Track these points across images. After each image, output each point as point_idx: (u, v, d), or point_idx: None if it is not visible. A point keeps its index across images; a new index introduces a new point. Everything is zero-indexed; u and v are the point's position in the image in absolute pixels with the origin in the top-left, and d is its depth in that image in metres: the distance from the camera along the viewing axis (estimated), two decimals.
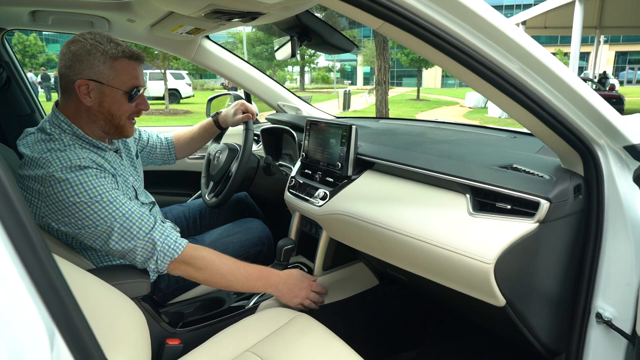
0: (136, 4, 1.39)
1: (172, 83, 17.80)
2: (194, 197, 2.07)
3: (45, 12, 1.46)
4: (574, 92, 0.86)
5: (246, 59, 1.98)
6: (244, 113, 1.65)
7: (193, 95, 21.11)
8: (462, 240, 0.96)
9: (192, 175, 2.11)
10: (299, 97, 2.21)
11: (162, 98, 16.73)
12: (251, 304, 1.40)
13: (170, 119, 13.57)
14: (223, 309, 1.38)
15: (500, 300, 0.93)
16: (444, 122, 1.82)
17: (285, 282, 1.34)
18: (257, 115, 2.25)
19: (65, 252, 1.23)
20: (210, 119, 1.73)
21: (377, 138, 1.53)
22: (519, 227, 0.91)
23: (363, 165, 1.36)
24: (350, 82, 34.73)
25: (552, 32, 14.07)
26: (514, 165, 1.05)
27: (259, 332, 1.18)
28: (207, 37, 1.82)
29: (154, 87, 18.13)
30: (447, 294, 1.07)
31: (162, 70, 14.84)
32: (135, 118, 1.30)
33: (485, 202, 1.00)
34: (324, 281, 1.47)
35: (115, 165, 1.29)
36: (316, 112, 2.22)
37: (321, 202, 1.38)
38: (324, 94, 23.97)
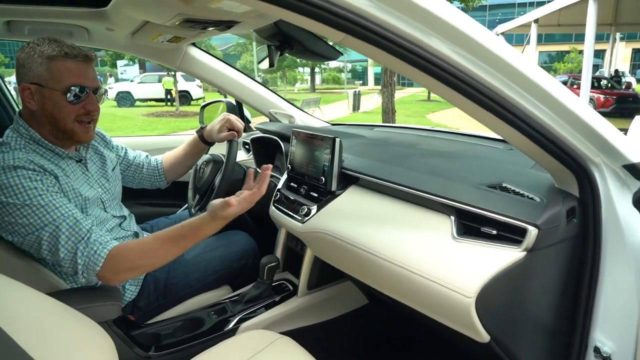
0: (112, 13, 1.34)
1: (183, 85, 17.87)
2: (182, 208, 2.01)
3: (20, 22, 1.42)
4: (564, 107, 0.78)
5: (256, 60, 1.88)
6: (229, 130, 1.58)
7: (204, 97, 21.22)
8: (443, 269, 0.88)
9: (182, 185, 2.06)
10: (292, 104, 2.14)
11: (173, 100, 16.84)
12: (230, 325, 1.34)
13: (181, 120, 13.62)
14: (201, 331, 1.32)
15: (484, 336, 0.84)
16: (440, 131, 1.73)
17: (209, 216, 1.22)
18: (243, 130, 2.20)
19: (34, 270, 1.18)
20: (195, 134, 1.67)
21: (366, 150, 1.46)
22: (504, 256, 0.82)
23: (348, 180, 1.29)
24: (361, 82, 34.59)
25: (566, 30, 13.75)
26: (503, 185, 0.96)
27: (238, 355, 1.12)
28: (194, 44, 1.76)
29: (162, 89, 18.26)
30: (432, 321, 1.00)
31: (173, 72, 14.91)
32: (88, 120, 1.23)
33: (471, 225, 0.92)
34: (308, 301, 1.40)
35: (70, 173, 1.24)
36: (310, 119, 2.15)
37: (304, 219, 1.31)
38: (334, 94, 23.89)
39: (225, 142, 1.58)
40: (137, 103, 18.79)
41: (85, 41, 1.55)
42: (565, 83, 16.41)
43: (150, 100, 18.90)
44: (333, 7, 0.64)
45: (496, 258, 0.83)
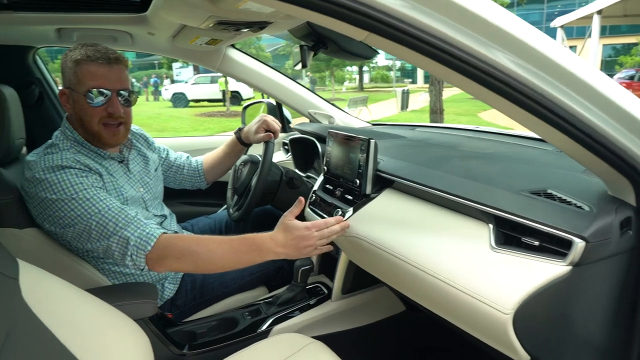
0: (152, 18, 1.37)
1: (234, 85, 18.33)
2: (222, 208, 2.04)
3: (69, 29, 1.49)
4: (615, 105, 0.69)
5: (293, 62, 1.89)
6: (266, 131, 1.58)
7: (254, 97, 21.69)
8: (479, 282, 0.82)
9: (222, 185, 2.09)
10: (332, 104, 2.11)
11: (224, 100, 17.31)
12: (264, 327, 1.34)
13: (231, 120, 13.98)
14: (235, 332, 1.33)
15: (523, 356, 0.78)
16: (485, 131, 1.64)
17: (283, 244, 1.14)
18: (282, 130, 2.19)
19: (76, 266, 1.23)
20: (233, 135, 1.68)
21: (404, 151, 1.40)
22: (547, 270, 0.75)
23: (383, 182, 1.24)
24: (410, 80, 33.96)
25: (633, 21, 12.75)
26: (548, 191, 0.88)
27: (269, 358, 1.11)
28: (233, 45, 1.78)
29: (215, 90, 18.81)
30: (468, 334, 0.94)
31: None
32: (114, 124, 1.25)
33: (511, 234, 0.85)
34: (342, 306, 1.36)
35: (114, 172, 1.29)
36: (350, 119, 2.11)
37: None
38: (382, 93, 23.62)
39: (262, 143, 1.58)
40: (191, 104, 19.49)
41: (129, 45, 1.60)
42: (632, 78, 15.27)
43: (203, 100, 19.54)
44: (354, 4, 0.61)
45: (537, 272, 0.76)
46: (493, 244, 0.86)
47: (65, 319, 0.87)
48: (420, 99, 16.70)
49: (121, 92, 1.23)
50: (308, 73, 22.57)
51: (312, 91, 2.08)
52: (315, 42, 1.27)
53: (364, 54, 1.32)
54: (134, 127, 1.54)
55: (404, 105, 15.04)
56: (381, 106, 16.34)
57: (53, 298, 0.89)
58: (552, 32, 12.99)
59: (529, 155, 1.25)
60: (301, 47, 1.24)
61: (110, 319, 1.00)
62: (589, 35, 10.74)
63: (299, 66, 1.34)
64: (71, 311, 0.92)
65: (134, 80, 24.65)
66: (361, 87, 27.86)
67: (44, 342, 0.79)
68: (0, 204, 1.17)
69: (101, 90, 1.20)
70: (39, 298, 0.83)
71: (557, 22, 12.29)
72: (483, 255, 0.85)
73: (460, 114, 13.42)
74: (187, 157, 1.73)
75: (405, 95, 15.07)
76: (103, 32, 1.51)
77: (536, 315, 0.75)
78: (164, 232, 1.15)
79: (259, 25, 1.15)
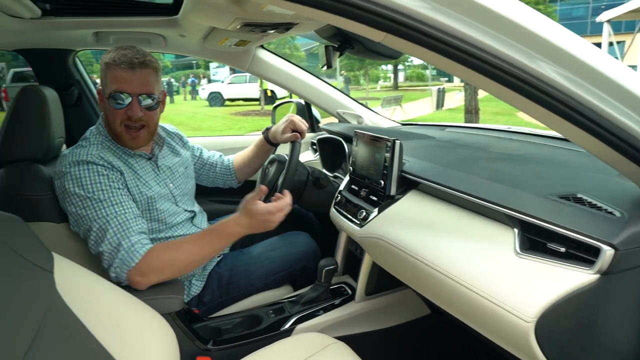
0: (182, 21, 1.41)
1: (270, 84, 18.51)
2: None
3: (106, 32, 1.55)
4: None
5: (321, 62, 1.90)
6: (293, 131, 1.60)
7: (288, 96, 21.84)
8: (501, 288, 0.79)
9: (252, 184, 2.12)
10: (361, 104, 2.10)
11: (258, 99, 17.52)
12: (287, 325, 1.35)
13: (265, 119, 14.14)
14: (258, 329, 1.35)
15: None
16: (517, 132, 1.59)
17: (247, 226, 1.26)
18: (312, 130, 2.20)
19: None
20: (261, 135, 1.71)
21: (431, 152, 1.38)
22: (572, 278, 0.72)
23: (408, 184, 1.23)
24: (447, 79, 33.30)
25: None
26: (578, 195, 0.85)
27: (291, 357, 1.12)
28: (262, 46, 1.80)
29: (250, 89, 19.06)
30: (491, 341, 0.91)
31: None
32: (135, 127, 1.28)
33: (537, 240, 0.82)
34: (365, 307, 1.36)
35: (139, 169, 1.33)
36: (379, 119, 2.10)
37: (362, 223, 1.28)
38: (418, 92, 23.28)
39: (289, 143, 1.60)
40: (227, 103, 19.85)
41: (162, 47, 1.65)
42: None
43: (239, 99, 19.86)
44: (370, 5, 0.61)
45: (563, 279, 0.73)
46: (517, 249, 0.83)
47: (95, 311, 0.91)
48: (457, 98, 16.34)
49: (141, 96, 1.25)
50: (342, 72, 22.54)
51: (341, 91, 2.08)
52: (341, 42, 1.27)
53: (390, 54, 1.31)
54: (169, 126, 1.60)
55: (440, 104, 14.77)
56: (416, 105, 16.09)
57: (85, 291, 0.93)
58: (597, 27, 12.39)
59: (561, 157, 1.21)
60: (326, 47, 1.24)
61: (138, 312, 1.04)
62: (639, 30, 10.18)
63: (324, 67, 1.34)
64: (102, 304, 0.95)
65: (172, 80, 25.35)
66: (396, 86, 27.54)
67: (75, 332, 0.83)
68: (39, 199, 1.24)
69: (122, 93, 1.23)
70: (71, 290, 0.87)
71: (604, 16, 11.70)
72: (507, 261, 0.83)
73: (498, 113, 13.04)
74: (220, 155, 1.77)
75: (441, 93, 14.79)
76: (137, 34, 1.57)
77: (560, 324, 0.72)
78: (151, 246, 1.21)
79: (284, 27, 1.17)
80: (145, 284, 1.17)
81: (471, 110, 7.53)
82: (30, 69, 1.78)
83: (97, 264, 1.21)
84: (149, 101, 1.27)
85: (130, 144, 1.31)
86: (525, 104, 0.68)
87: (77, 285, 0.91)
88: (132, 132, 1.28)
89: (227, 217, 1.29)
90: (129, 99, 1.24)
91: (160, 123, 1.45)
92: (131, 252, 1.16)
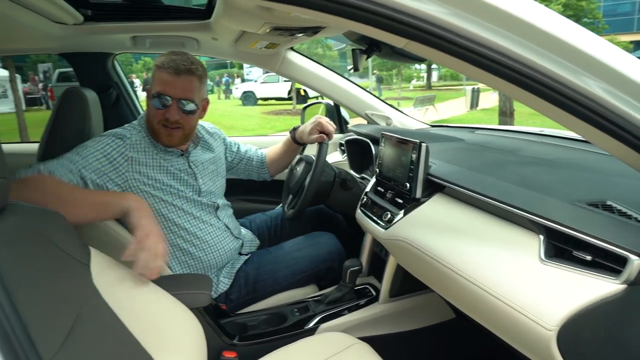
0: (215, 24, 1.45)
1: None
2: (278, 206, 2.10)
3: (143, 37, 1.62)
4: None
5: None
6: (320, 132, 1.62)
7: (319, 96, 21.82)
8: (523, 295, 0.79)
9: (279, 183, 2.16)
10: (390, 105, 2.10)
11: (290, 98, 17.64)
12: (311, 324, 1.37)
13: (297, 118, 14.23)
14: (283, 327, 1.37)
15: None
16: (550, 135, 1.55)
17: (137, 200, 1.17)
18: (340, 131, 2.21)
19: None
20: (289, 135, 1.74)
21: (458, 155, 1.37)
22: (598, 287, 0.71)
23: (434, 187, 1.22)
24: None
25: None
26: (608, 203, 0.83)
27: (314, 355, 1.14)
28: (292, 48, 1.83)
29: (282, 89, 19.21)
30: (515, 350, 0.90)
31: None
32: (172, 127, 1.34)
33: (562, 247, 0.81)
34: (389, 309, 1.36)
35: (170, 165, 1.41)
36: (408, 120, 2.09)
37: (387, 225, 1.28)
38: (452, 91, 22.85)
39: (317, 144, 1.62)
40: (259, 102, 20.09)
41: (195, 50, 1.71)
42: None
43: (271, 99, 20.06)
44: (394, 13, 0.62)
45: (587, 288, 0.72)
46: (542, 256, 0.82)
47: (128, 304, 0.95)
48: (492, 98, 15.95)
49: (182, 100, 1.32)
50: (374, 71, 22.39)
51: (370, 92, 2.08)
52: (369, 45, 1.28)
53: (418, 57, 1.30)
54: (208, 125, 1.67)
55: (474, 104, 14.45)
56: (449, 105, 15.80)
57: (119, 284, 0.98)
58: None
59: (593, 161, 1.17)
60: (353, 50, 1.26)
61: (169, 306, 1.08)
62: None
63: (352, 70, 1.35)
64: (134, 297, 1.00)
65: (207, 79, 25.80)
66: (429, 86, 27.11)
67: (109, 323, 0.88)
68: None
69: (164, 96, 1.31)
70: (106, 283, 0.92)
71: None
72: (531, 268, 0.82)
73: (534, 114, 12.60)
74: (256, 149, 1.83)
75: (476, 93, 14.47)
76: (172, 38, 1.63)
77: (583, 333, 0.71)
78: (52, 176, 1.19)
79: (312, 30, 1.19)
80: (15, 193, 0.98)
81: (506, 112, 7.29)
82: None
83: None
84: (188, 106, 1.33)
85: (164, 141, 1.38)
86: (530, 99, 0.67)
87: (111, 279, 0.96)
88: (168, 130, 1.35)
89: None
90: (170, 102, 1.31)
91: (201, 122, 1.54)
92: (36, 169, 1.19)
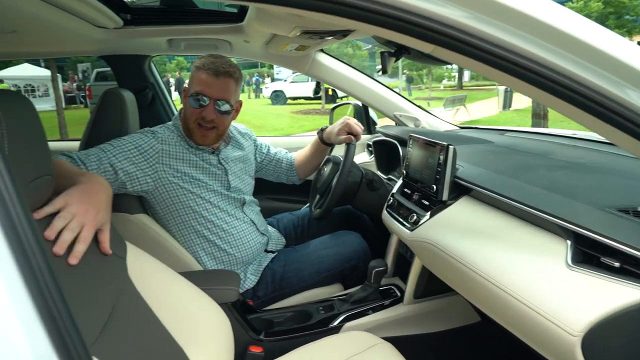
0: (247, 28, 1.49)
1: None
2: (305, 206, 2.13)
3: (178, 39, 1.68)
4: None
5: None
6: (348, 133, 1.63)
7: (348, 96, 21.74)
8: (549, 300, 0.78)
9: (307, 183, 2.19)
10: (418, 106, 2.09)
11: (319, 98, 17.67)
12: (335, 323, 1.39)
13: (326, 118, 14.26)
14: (308, 324, 1.40)
15: None
16: (582, 139, 1.52)
17: (87, 182, 0.92)
18: (368, 132, 2.22)
19: (174, 250, 1.39)
20: (317, 136, 1.76)
21: (486, 158, 1.36)
22: (625, 294, 0.70)
23: (461, 189, 1.22)
24: None
25: None
26: (639, 209, 0.82)
27: (338, 353, 1.16)
28: (321, 50, 1.85)
29: (312, 88, 19.21)
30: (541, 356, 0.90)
31: None
32: (207, 126, 1.40)
33: (590, 253, 0.80)
34: (413, 310, 1.37)
35: (200, 162, 1.46)
36: (437, 122, 2.08)
37: (413, 227, 1.29)
38: (484, 91, 22.36)
39: (344, 144, 1.63)
40: (289, 101, 20.23)
41: (228, 52, 1.76)
42: None
43: (300, 98, 20.16)
44: (419, 19, 0.63)
45: (614, 295, 0.71)
46: (569, 261, 0.81)
47: (161, 297, 1.00)
48: (525, 98, 15.48)
49: (218, 101, 1.38)
50: (404, 71, 22.16)
51: (398, 93, 2.08)
52: (398, 47, 1.28)
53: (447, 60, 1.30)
54: (240, 126, 1.72)
55: (506, 104, 14.10)
56: (481, 105, 15.45)
57: (153, 278, 1.03)
58: None
59: (625, 166, 1.14)
60: (382, 53, 1.27)
61: (199, 300, 1.12)
62: None
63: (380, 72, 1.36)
64: (166, 291, 1.04)
65: None
66: (460, 86, 26.63)
67: (142, 315, 0.92)
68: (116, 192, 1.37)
69: (202, 95, 1.37)
70: (141, 276, 0.97)
71: None
72: (557, 273, 0.82)
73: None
74: (286, 152, 1.86)
75: (508, 93, 14.11)
76: (206, 41, 1.69)
77: (609, 341, 0.71)
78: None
79: (341, 34, 1.21)
80: None
81: (539, 114, 7.05)
82: (110, 69, 1.98)
83: (163, 253, 1.32)
84: (224, 107, 1.40)
85: (199, 140, 1.43)
86: (558, 103, 0.67)
87: (145, 272, 1.01)
88: (203, 130, 1.41)
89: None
90: (207, 102, 1.37)
91: (234, 123, 1.60)
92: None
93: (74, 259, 0.75)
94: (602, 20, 18.99)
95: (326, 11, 0.64)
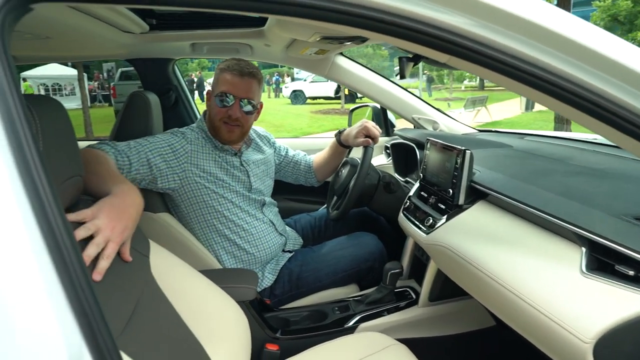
0: (268, 32, 1.53)
1: None
2: (323, 207, 2.16)
3: (201, 43, 1.73)
4: None
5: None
6: (365, 136, 1.65)
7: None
8: (562, 306, 0.79)
9: (325, 184, 2.21)
10: (437, 109, 2.09)
11: (339, 98, 17.68)
12: (351, 323, 1.41)
13: (345, 118, 14.23)
14: (323, 324, 1.42)
15: None
16: (603, 144, 1.50)
17: (121, 193, 0.96)
18: (387, 135, 2.23)
19: (195, 249, 1.43)
20: (334, 138, 1.79)
21: (504, 163, 1.36)
22: (638, 302, 0.70)
23: (477, 194, 1.23)
24: None
25: None
26: None
27: (352, 353, 1.18)
28: (341, 53, 1.87)
29: (331, 88, 19.25)
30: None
31: None
32: (232, 124, 1.45)
33: (605, 261, 0.80)
34: (428, 312, 1.38)
35: (223, 163, 1.51)
36: (455, 125, 2.07)
37: (429, 230, 1.30)
38: (506, 92, 22.01)
39: (362, 147, 1.65)
40: (308, 101, 20.28)
41: (249, 56, 1.80)
42: None
43: (320, 98, 20.18)
44: (434, 30, 0.65)
45: (628, 303, 0.71)
46: (583, 268, 0.82)
47: (182, 294, 1.03)
48: None
49: (244, 100, 1.44)
50: (425, 72, 21.96)
51: (417, 96, 2.08)
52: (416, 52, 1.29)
53: None
54: (259, 129, 1.77)
55: (529, 105, 13.84)
56: (503, 106, 15.19)
57: (174, 275, 1.06)
58: None
59: None
60: (400, 58, 1.28)
61: (218, 298, 1.15)
62: None
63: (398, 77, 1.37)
64: (187, 288, 1.08)
65: None
66: (482, 86, 26.23)
67: (164, 311, 0.96)
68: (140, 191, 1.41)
69: (228, 94, 1.42)
70: (163, 274, 1.00)
71: None
72: (571, 280, 0.82)
73: None
74: (304, 154, 1.89)
75: None
76: (228, 45, 1.73)
77: (621, 348, 0.71)
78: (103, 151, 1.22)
79: (360, 39, 1.23)
80: None
81: (562, 118, 6.89)
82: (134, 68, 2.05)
83: (184, 251, 1.36)
84: (248, 106, 1.46)
85: (225, 137, 1.48)
86: (573, 112, 0.67)
87: (167, 270, 1.05)
88: (229, 126, 1.46)
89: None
90: (233, 101, 1.43)
91: (253, 126, 1.64)
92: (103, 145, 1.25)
93: (97, 276, 0.76)
94: (630, 19, 18.47)
95: (343, 23, 0.66)
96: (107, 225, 0.81)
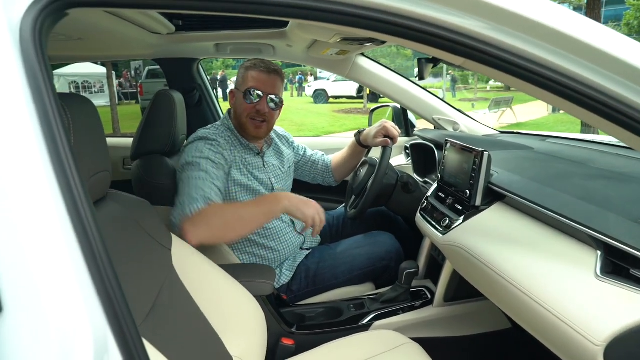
0: (290, 33, 1.56)
1: None
2: (341, 206, 2.17)
3: (225, 44, 1.78)
4: None
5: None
6: (385, 136, 1.67)
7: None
8: (575, 309, 0.79)
9: (344, 183, 2.23)
10: (457, 110, 2.09)
11: (361, 97, 17.63)
12: (365, 321, 1.43)
13: (367, 117, 14.16)
14: (338, 320, 1.44)
15: None
16: (626, 147, 1.47)
17: (287, 197, 1.35)
18: (406, 135, 2.23)
19: (216, 245, 1.47)
20: (353, 137, 1.80)
21: (522, 165, 1.35)
22: None
23: (495, 195, 1.23)
24: None
25: None
26: None
27: (366, 350, 1.20)
28: (362, 53, 1.89)
29: (354, 87, 19.19)
30: None
31: None
32: (259, 120, 1.49)
33: (620, 265, 0.80)
34: (443, 313, 1.38)
35: (247, 162, 1.54)
36: (476, 126, 2.06)
37: (445, 231, 1.31)
38: None
39: (381, 147, 1.67)
40: (331, 100, 20.28)
41: (271, 56, 1.84)
42: None
43: (342, 97, 20.16)
44: (448, 33, 0.66)
45: None
46: (598, 272, 0.82)
47: (201, 286, 1.07)
48: None
49: (271, 96, 1.48)
50: (450, 71, 21.69)
51: (440, 98, 2.08)
52: None
53: None
54: (279, 128, 1.79)
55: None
56: (528, 107, 14.84)
57: (194, 268, 1.10)
58: None
59: None
60: (419, 60, 1.29)
61: (236, 292, 1.19)
62: None
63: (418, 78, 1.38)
64: (207, 281, 1.12)
65: None
66: (508, 87, 25.76)
67: (184, 302, 1.00)
68: (163, 186, 1.46)
69: (256, 91, 1.46)
70: (184, 267, 1.04)
71: None
72: (585, 283, 0.82)
73: None
74: (322, 154, 1.92)
75: None
76: (251, 45, 1.77)
77: (633, 352, 0.71)
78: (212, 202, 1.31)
79: (379, 40, 1.24)
80: (194, 234, 1.23)
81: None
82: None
83: (204, 246, 1.40)
84: (274, 102, 1.50)
85: (252, 133, 1.52)
86: (589, 116, 0.68)
87: (188, 263, 1.09)
88: (256, 122, 1.50)
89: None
90: (260, 97, 1.47)
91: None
92: (192, 201, 1.29)
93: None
94: None
95: (359, 26, 0.68)
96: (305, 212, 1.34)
